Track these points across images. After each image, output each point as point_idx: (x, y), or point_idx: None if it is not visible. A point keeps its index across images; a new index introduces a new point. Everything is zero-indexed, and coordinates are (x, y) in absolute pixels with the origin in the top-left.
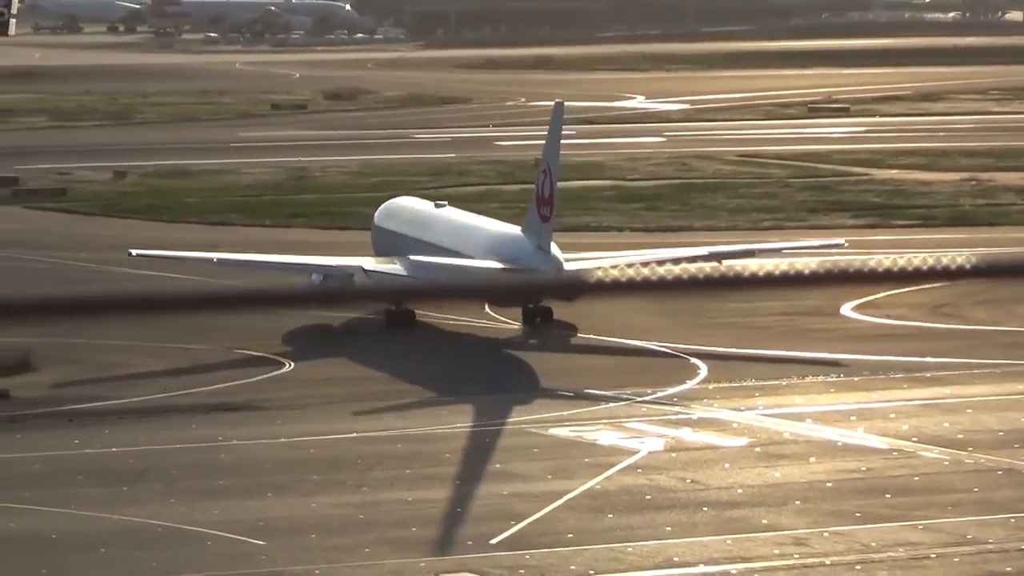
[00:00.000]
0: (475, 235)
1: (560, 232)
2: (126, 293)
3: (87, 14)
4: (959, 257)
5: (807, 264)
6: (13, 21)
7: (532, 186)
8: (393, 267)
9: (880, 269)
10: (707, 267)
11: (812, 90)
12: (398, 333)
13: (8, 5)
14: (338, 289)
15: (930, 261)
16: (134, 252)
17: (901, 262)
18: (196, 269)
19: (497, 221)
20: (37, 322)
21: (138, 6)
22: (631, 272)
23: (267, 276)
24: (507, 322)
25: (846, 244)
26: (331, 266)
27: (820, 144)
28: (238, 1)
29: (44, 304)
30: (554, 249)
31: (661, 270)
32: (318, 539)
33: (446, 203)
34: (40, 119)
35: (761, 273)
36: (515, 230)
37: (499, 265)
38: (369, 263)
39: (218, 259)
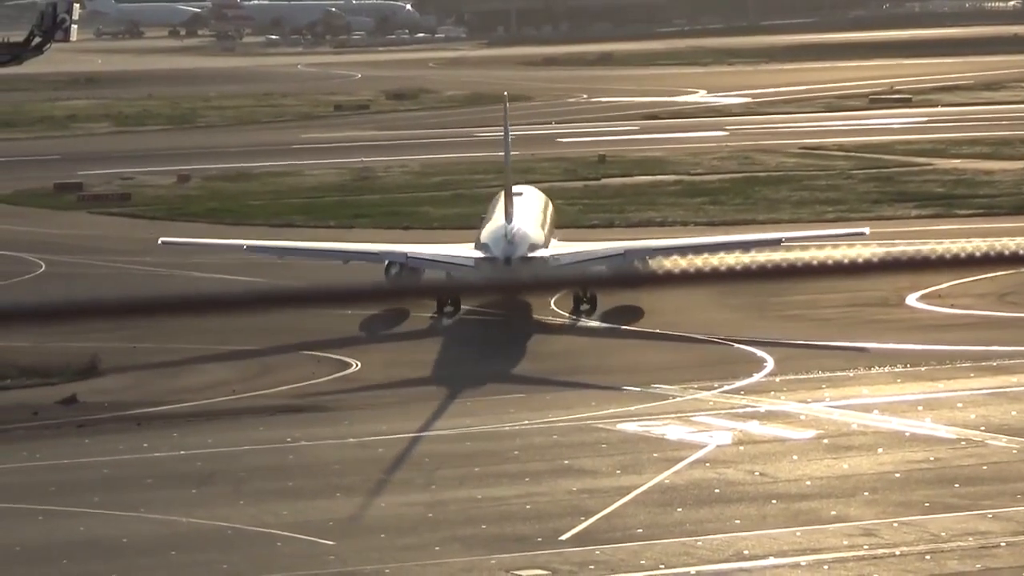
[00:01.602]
0: (492, 224)
1: (626, 228)
2: (188, 295)
3: (148, 19)
4: (1019, 244)
5: (874, 253)
6: (75, 27)
7: (595, 182)
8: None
9: (946, 256)
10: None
11: (873, 81)
12: (461, 329)
13: (70, 11)
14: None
15: (997, 247)
16: (163, 240)
17: (967, 248)
18: (248, 264)
19: (525, 209)
20: (101, 323)
21: (199, 10)
22: (698, 263)
23: (336, 272)
24: (569, 316)
25: (868, 232)
26: (364, 252)
27: (882, 135)
28: (299, 3)
29: (108, 306)
30: (520, 236)
31: (719, 261)
32: (388, 539)
33: (522, 192)
34: (103, 124)
35: (823, 262)
36: (517, 219)
37: (478, 254)
38: (409, 248)
39: (248, 246)
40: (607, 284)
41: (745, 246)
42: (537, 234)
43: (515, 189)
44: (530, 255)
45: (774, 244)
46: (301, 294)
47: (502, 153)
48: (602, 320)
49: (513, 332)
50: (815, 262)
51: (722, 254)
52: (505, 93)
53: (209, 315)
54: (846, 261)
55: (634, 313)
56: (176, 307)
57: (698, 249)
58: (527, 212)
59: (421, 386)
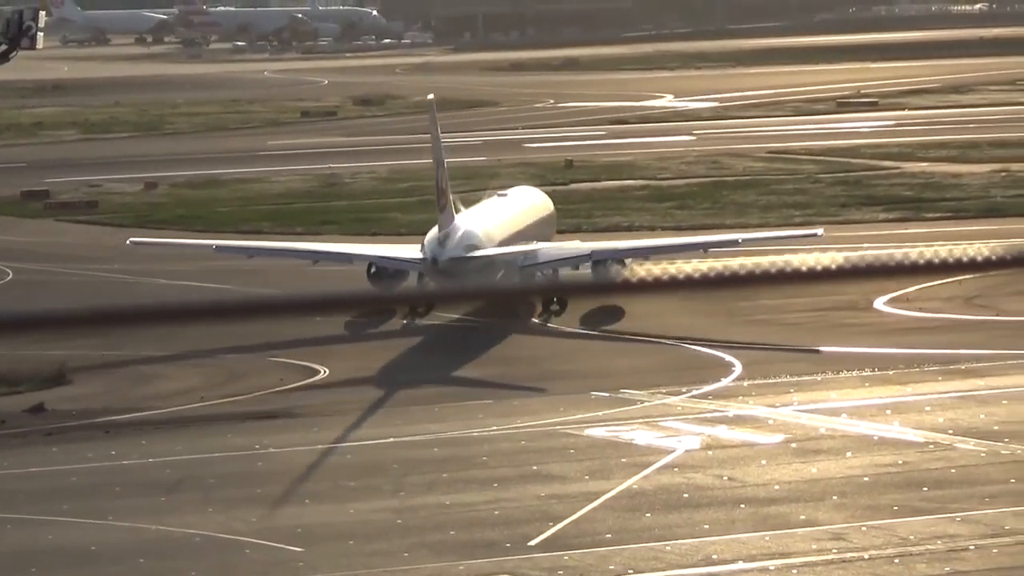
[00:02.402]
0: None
1: (593, 233)
2: (158, 304)
3: (115, 26)
4: (987, 248)
5: (834, 259)
6: (41, 34)
7: (563, 187)
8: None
9: (908, 262)
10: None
11: (840, 85)
12: (431, 334)
13: (36, 18)
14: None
15: (969, 252)
16: (132, 240)
17: (931, 253)
18: (217, 269)
19: (492, 210)
20: (68, 335)
21: (165, 17)
22: (664, 269)
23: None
24: (538, 317)
25: (821, 234)
26: (332, 252)
27: (850, 139)
28: (265, 10)
29: (73, 318)
30: (456, 237)
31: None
32: (356, 545)
33: (507, 193)
34: (70, 132)
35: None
36: (466, 221)
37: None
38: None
39: (217, 245)
40: (576, 291)
41: (704, 247)
42: (487, 235)
43: (514, 189)
44: (468, 255)
45: (732, 244)
46: (262, 304)
47: (471, 159)
48: (581, 322)
49: (484, 336)
50: (782, 269)
51: (693, 261)
52: (431, 96)
53: (191, 324)
54: (819, 267)
55: (614, 313)
56: (156, 316)
57: (660, 250)
58: (490, 213)
59: (389, 392)
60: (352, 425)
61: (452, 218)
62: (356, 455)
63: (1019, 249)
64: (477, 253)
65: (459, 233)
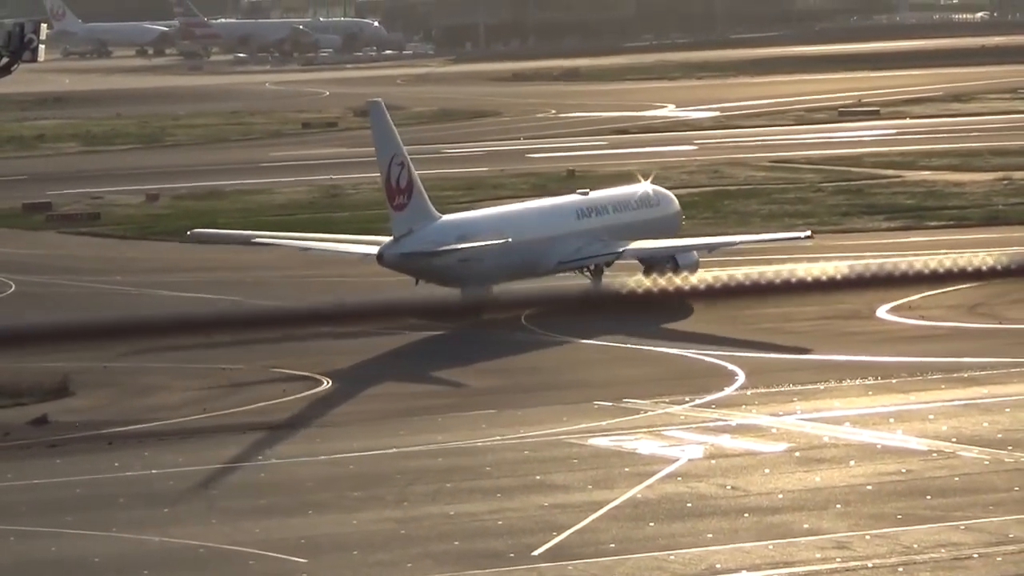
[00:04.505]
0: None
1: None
2: (162, 316)
3: (116, 39)
4: (990, 258)
5: (839, 269)
6: (42, 47)
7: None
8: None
9: (911, 272)
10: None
11: (842, 94)
12: (430, 345)
13: (37, 31)
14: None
15: (966, 262)
16: (193, 232)
17: (933, 265)
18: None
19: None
20: (70, 347)
21: (166, 29)
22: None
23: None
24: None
25: (805, 236)
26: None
27: (851, 148)
28: (266, 21)
29: (76, 330)
30: (414, 236)
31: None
32: (360, 555)
33: (588, 191)
34: (71, 144)
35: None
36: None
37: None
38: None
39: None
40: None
41: (701, 248)
42: (462, 235)
43: (635, 185)
44: (421, 250)
45: (728, 247)
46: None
47: (474, 169)
48: (581, 330)
49: (487, 346)
50: (787, 279)
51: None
52: (380, 100)
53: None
54: (823, 277)
55: (618, 321)
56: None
57: (657, 254)
58: (501, 215)
59: (392, 402)
60: (355, 435)
61: (424, 216)
62: (359, 465)
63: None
64: (445, 248)
65: (423, 234)
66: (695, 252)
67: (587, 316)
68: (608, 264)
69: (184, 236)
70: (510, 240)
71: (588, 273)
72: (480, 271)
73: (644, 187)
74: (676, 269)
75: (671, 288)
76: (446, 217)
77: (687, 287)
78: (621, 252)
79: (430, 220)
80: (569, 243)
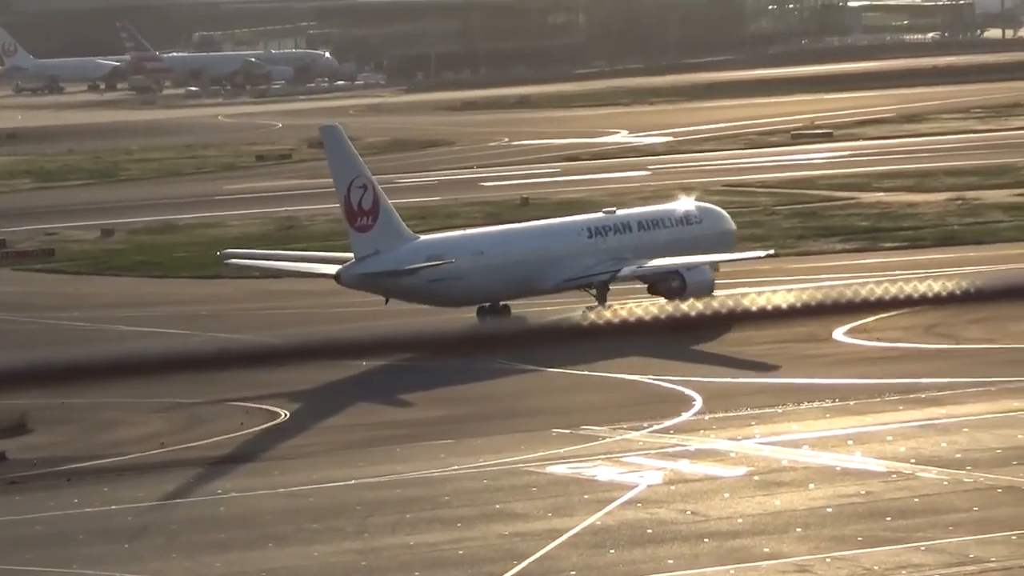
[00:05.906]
0: None
1: None
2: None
3: (68, 74)
4: (949, 282)
5: (799, 295)
6: None
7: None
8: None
9: (871, 298)
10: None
11: (795, 117)
12: (387, 375)
13: None
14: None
15: (921, 287)
16: (225, 255)
17: (890, 290)
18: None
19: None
20: (31, 387)
21: (118, 63)
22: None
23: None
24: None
25: (767, 255)
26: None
27: (805, 170)
28: (218, 54)
29: (36, 370)
30: (380, 257)
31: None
32: None
33: (615, 209)
34: (24, 181)
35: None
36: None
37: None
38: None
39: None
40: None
41: (671, 268)
42: (433, 255)
43: (678, 202)
44: (383, 270)
45: (694, 267)
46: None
47: (427, 199)
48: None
49: (445, 374)
50: (747, 308)
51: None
52: (337, 124)
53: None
54: (784, 305)
55: (576, 349)
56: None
57: (651, 272)
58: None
59: (350, 434)
60: (314, 467)
61: (395, 237)
62: (318, 497)
63: (975, 282)
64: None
65: (396, 252)
66: (709, 270)
67: (547, 345)
68: (607, 283)
69: (139, 271)
70: (483, 254)
71: (592, 291)
72: (462, 289)
73: (686, 204)
74: (684, 288)
75: (632, 319)
76: (424, 238)
77: (647, 317)
78: (618, 271)
79: (403, 241)
80: (578, 262)
